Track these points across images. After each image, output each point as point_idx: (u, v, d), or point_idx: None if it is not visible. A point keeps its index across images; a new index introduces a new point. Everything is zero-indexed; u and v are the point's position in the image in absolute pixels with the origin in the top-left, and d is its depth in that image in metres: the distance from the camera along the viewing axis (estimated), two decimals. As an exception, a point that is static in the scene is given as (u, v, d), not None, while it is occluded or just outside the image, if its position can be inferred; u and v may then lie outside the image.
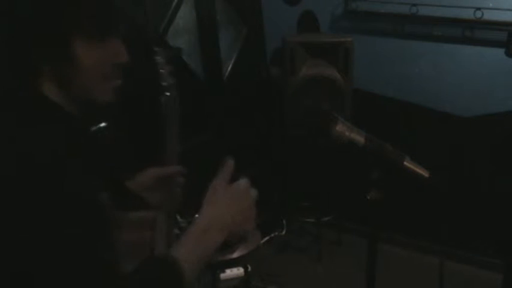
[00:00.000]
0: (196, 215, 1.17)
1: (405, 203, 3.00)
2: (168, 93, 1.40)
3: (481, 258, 3.15)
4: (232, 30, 3.43)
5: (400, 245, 3.36)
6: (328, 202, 3.44)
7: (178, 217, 1.43)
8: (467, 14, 2.83)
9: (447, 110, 3.09)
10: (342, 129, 1.28)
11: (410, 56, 3.12)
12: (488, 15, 2.79)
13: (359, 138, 1.29)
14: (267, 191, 3.53)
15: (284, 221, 3.55)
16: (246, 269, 2.55)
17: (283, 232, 3.52)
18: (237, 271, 2.56)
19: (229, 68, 3.43)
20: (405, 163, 1.29)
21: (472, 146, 3.05)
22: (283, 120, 3.19)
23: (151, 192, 1.37)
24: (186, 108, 3.43)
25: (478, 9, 2.80)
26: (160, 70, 1.38)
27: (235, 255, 2.46)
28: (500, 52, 2.82)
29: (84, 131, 1.09)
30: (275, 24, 3.49)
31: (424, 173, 1.30)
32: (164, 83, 1.39)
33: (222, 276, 2.53)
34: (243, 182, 1.14)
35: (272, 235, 3.47)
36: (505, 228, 2.79)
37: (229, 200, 1.11)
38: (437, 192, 2.90)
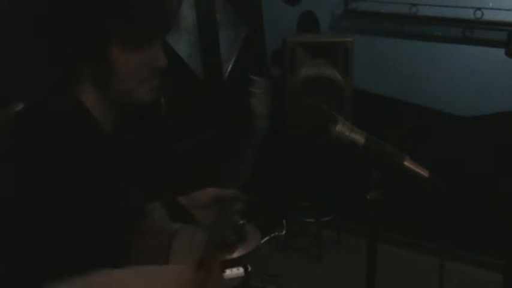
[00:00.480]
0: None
1: (405, 203, 3.00)
2: (259, 123, 1.38)
3: (481, 258, 3.15)
4: (232, 30, 3.43)
5: (400, 245, 3.36)
6: (328, 202, 3.44)
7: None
8: (467, 14, 2.84)
9: (447, 110, 3.09)
10: (342, 129, 1.28)
11: (411, 56, 3.12)
12: (488, 15, 2.79)
13: (359, 138, 1.29)
14: (267, 191, 3.55)
15: (284, 221, 3.54)
16: (246, 269, 2.55)
17: (283, 232, 3.51)
18: (237, 271, 2.56)
19: (229, 68, 3.43)
20: (405, 163, 1.29)
21: (472, 146, 3.05)
22: (283, 120, 3.19)
23: (204, 210, 1.34)
24: (186, 108, 3.43)
25: (478, 9, 2.80)
26: (252, 100, 1.38)
27: (235, 255, 2.46)
28: (500, 52, 2.81)
29: (113, 139, 1.09)
30: (275, 24, 3.49)
31: (424, 173, 1.30)
32: (257, 112, 1.38)
33: (222, 276, 2.53)
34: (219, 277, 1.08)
35: (272, 235, 3.47)
36: (505, 228, 2.79)
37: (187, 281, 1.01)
38: (437, 192, 2.90)
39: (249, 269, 2.53)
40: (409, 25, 3.05)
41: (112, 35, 0.97)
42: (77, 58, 0.98)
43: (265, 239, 3.37)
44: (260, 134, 1.39)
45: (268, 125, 1.38)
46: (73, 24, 0.96)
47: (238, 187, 1.34)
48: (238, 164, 1.34)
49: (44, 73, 1.03)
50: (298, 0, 3.40)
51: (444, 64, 3.03)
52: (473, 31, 2.88)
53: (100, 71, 0.99)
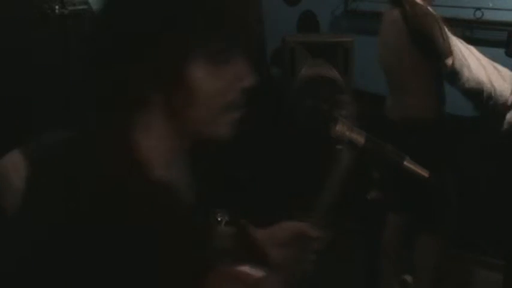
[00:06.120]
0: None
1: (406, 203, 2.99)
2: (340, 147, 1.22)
3: (481, 258, 3.15)
4: (232, 30, 3.43)
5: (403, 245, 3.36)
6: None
7: None
8: (467, 14, 2.84)
9: (447, 110, 3.08)
10: (342, 129, 1.28)
11: (410, 56, 3.11)
12: (488, 15, 2.79)
13: (359, 138, 1.29)
14: (267, 191, 3.55)
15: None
16: (246, 269, 2.54)
17: (283, 232, 3.51)
18: (237, 271, 2.56)
19: (229, 68, 3.43)
20: (405, 163, 1.29)
21: (472, 146, 3.05)
22: (283, 120, 3.19)
23: (280, 249, 1.13)
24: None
25: (478, 9, 2.80)
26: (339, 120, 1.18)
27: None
28: (500, 52, 2.81)
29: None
30: (275, 24, 3.49)
31: (424, 173, 1.30)
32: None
33: (222, 276, 2.53)
34: None
35: (272, 235, 3.47)
36: (506, 228, 2.79)
37: None
38: (437, 192, 2.90)
39: (249, 269, 2.52)
40: (409, 25, 3.05)
41: (194, 49, 0.77)
42: (150, 82, 0.77)
43: (265, 239, 3.37)
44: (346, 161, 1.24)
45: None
46: (145, 39, 0.75)
47: (320, 219, 1.20)
48: (324, 195, 1.21)
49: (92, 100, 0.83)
50: (298, 0, 3.40)
51: (444, 64, 3.03)
52: (473, 31, 2.88)
53: (175, 96, 0.78)
